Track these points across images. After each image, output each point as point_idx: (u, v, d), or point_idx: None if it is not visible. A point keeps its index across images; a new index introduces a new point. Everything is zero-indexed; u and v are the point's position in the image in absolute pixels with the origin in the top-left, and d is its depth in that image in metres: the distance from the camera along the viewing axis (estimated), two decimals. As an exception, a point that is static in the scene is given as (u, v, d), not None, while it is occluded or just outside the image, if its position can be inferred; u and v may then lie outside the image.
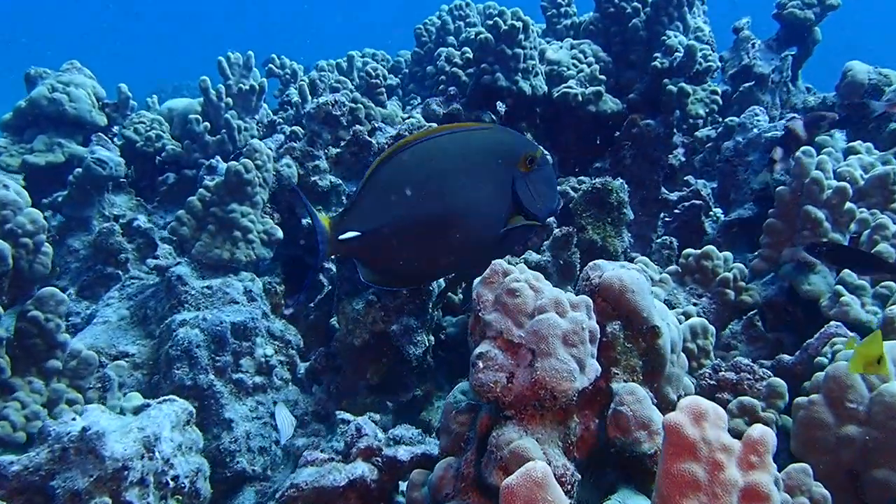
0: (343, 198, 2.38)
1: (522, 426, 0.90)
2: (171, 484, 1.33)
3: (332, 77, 3.03)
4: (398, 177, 1.43)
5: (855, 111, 2.45)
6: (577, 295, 0.97)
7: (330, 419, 1.88)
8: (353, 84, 2.98)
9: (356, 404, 1.84)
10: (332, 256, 1.73)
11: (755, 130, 2.49)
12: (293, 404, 1.95)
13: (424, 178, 1.43)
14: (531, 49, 2.42)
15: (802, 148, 1.82)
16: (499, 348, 0.92)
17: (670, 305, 1.77)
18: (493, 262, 0.99)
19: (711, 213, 2.62)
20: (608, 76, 2.57)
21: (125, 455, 1.22)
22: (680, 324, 1.18)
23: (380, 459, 1.25)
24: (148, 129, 2.74)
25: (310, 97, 2.82)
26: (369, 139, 2.31)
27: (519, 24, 2.35)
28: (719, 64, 2.85)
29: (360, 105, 2.38)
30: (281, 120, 2.92)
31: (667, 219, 2.58)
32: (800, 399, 1.20)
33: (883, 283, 1.60)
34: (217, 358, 1.85)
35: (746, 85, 3.08)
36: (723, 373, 1.40)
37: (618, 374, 1.01)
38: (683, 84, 2.41)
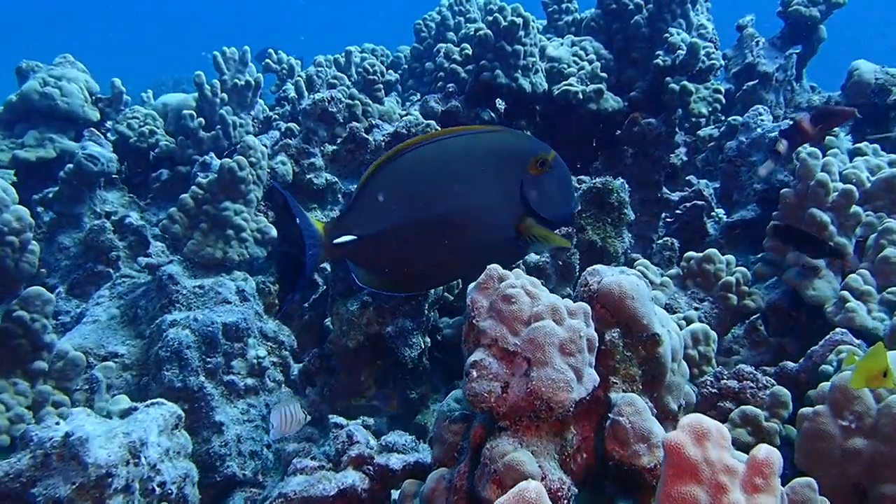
0: (339, 196, 2.34)
1: (517, 438, 0.87)
2: (158, 490, 1.30)
3: (330, 73, 2.98)
4: (399, 180, 1.39)
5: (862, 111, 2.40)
6: (575, 301, 0.94)
7: (323, 422, 1.84)
8: (350, 80, 2.94)
9: (350, 407, 1.81)
10: (327, 260, 1.69)
11: (759, 130, 2.46)
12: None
13: (426, 181, 1.40)
14: (531, 46, 2.38)
15: (807, 150, 1.78)
16: (493, 357, 0.89)
17: (671, 310, 1.73)
18: (488, 266, 0.95)
19: (714, 213, 2.58)
20: (609, 74, 2.53)
21: (109, 461, 1.20)
22: (681, 329, 1.15)
23: (371, 468, 1.22)
24: (141, 124, 2.69)
25: (306, 93, 2.78)
26: (366, 136, 2.28)
27: (519, 21, 2.31)
28: (722, 62, 2.82)
29: (357, 101, 2.34)
30: (277, 116, 2.88)
31: (668, 219, 2.55)
32: (804, 410, 1.16)
33: (889, 290, 1.56)
34: (208, 359, 1.82)
35: (750, 83, 3.04)
36: (725, 381, 1.37)
37: (616, 383, 0.97)
38: (686, 82, 2.38)
